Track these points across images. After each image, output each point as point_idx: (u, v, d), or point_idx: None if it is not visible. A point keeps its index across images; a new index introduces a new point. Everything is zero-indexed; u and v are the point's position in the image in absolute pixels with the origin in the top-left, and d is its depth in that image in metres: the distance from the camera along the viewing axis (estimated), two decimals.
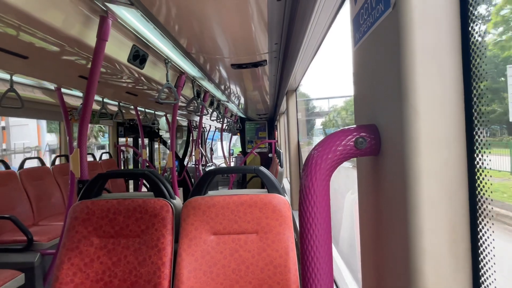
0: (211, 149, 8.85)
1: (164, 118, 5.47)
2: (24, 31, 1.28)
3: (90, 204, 1.47)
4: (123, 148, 5.40)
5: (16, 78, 2.15)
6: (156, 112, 4.75)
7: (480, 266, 0.40)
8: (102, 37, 1.37)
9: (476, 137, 0.40)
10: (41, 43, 1.44)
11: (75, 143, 2.32)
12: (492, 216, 0.38)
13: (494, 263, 0.38)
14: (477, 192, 0.40)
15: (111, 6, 1.28)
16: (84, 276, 1.39)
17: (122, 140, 5.45)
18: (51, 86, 2.65)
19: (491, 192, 0.38)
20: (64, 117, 2.77)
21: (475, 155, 0.40)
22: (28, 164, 3.43)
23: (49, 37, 1.35)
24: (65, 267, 1.38)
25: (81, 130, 1.54)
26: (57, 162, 3.90)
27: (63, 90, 2.65)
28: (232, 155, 8.15)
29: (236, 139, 8.80)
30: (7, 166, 3.15)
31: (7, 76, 2.07)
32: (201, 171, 5.37)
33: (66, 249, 1.41)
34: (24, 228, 2.56)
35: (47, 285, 2.59)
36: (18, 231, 2.59)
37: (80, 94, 3.05)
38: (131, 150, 5.79)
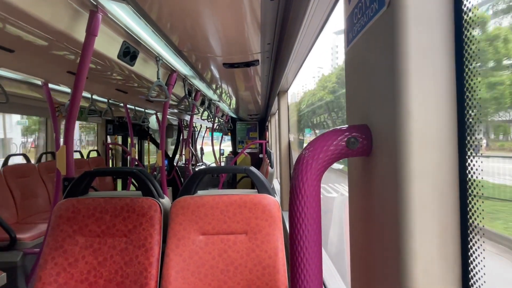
0: (202, 149, 8.79)
1: (154, 116, 5.41)
2: (11, 24, 1.24)
3: (75, 202, 1.43)
4: (111, 146, 5.32)
5: (1, 72, 2.10)
6: (146, 111, 4.69)
7: (469, 268, 0.40)
8: (91, 32, 1.34)
9: (468, 138, 0.40)
10: (28, 37, 1.40)
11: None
12: (483, 218, 0.38)
13: (484, 266, 0.38)
14: (467, 194, 0.40)
15: (101, 0, 1.26)
16: (68, 276, 1.35)
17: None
18: (38, 81, 2.59)
19: (482, 194, 0.38)
20: (51, 113, 2.72)
21: (467, 157, 0.40)
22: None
23: (37, 31, 1.31)
24: (48, 267, 1.35)
25: (68, 127, 1.50)
26: (43, 159, 3.82)
27: (50, 85, 2.60)
28: (223, 155, 8.12)
29: (226, 140, 8.77)
30: None
31: None
32: (191, 171, 5.33)
33: (50, 248, 1.37)
34: (6, 226, 2.49)
35: (30, 285, 2.53)
36: (1, 229, 2.52)
37: (68, 90, 2.99)
38: (120, 148, 5.71)
